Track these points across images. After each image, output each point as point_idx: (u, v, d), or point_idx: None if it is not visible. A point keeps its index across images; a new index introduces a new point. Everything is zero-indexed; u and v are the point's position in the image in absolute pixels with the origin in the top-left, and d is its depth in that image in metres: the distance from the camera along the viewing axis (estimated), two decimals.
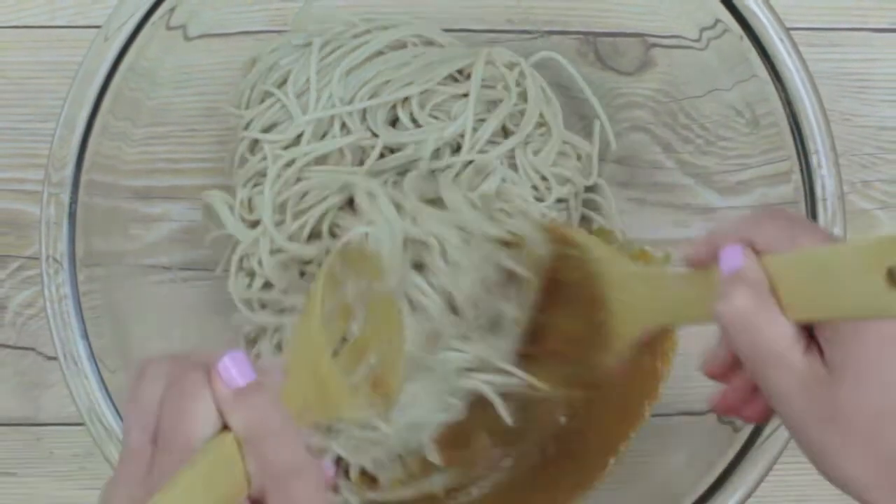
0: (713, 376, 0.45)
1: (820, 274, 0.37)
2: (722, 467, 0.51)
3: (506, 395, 0.52)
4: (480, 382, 0.52)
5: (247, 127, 0.56)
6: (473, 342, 0.52)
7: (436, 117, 0.55)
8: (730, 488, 0.51)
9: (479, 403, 0.53)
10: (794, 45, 0.51)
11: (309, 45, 0.56)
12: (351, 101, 0.55)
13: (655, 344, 0.57)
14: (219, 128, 0.58)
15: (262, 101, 0.56)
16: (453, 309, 0.52)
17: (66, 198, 0.51)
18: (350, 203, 0.54)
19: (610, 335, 0.50)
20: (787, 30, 0.52)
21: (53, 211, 0.51)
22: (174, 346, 0.56)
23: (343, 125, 0.55)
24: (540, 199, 0.56)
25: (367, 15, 0.57)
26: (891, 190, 0.62)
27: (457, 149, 0.55)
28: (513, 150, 0.55)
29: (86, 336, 0.51)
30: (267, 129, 0.55)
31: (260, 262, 0.54)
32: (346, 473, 0.54)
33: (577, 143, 0.58)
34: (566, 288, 0.52)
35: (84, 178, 0.52)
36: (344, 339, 0.48)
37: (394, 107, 0.56)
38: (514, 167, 0.55)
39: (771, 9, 0.51)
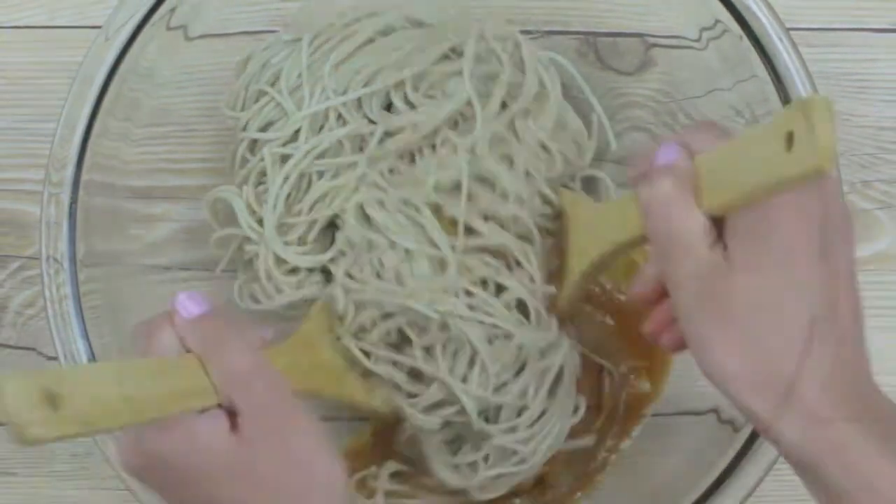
0: (640, 297, 0.47)
1: (731, 161, 0.40)
2: (722, 467, 0.51)
3: None
4: None
5: (245, 128, 0.55)
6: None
7: (432, 97, 0.55)
8: (730, 488, 0.51)
9: None
10: (794, 45, 0.51)
11: (298, 41, 0.56)
12: (345, 92, 0.55)
13: (651, 366, 0.58)
14: (219, 128, 0.58)
15: (257, 100, 0.56)
16: None
17: (66, 198, 0.51)
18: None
19: (564, 273, 0.53)
20: (787, 30, 0.52)
21: (53, 211, 0.51)
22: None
23: (339, 116, 0.55)
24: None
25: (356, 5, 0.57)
26: (890, 190, 0.62)
27: (454, 125, 0.55)
28: (513, 120, 0.55)
29: (86, 336, 0.51)
30: (263, 128, 0.55)
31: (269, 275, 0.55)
32: None
33: (570, 121, 0.58)
34: None
35: (84, 178, 0.52)
36: None
37: (388, 93, 0.56)
38: (516, 137, 0.56)
39: (771, 9, 0.51)
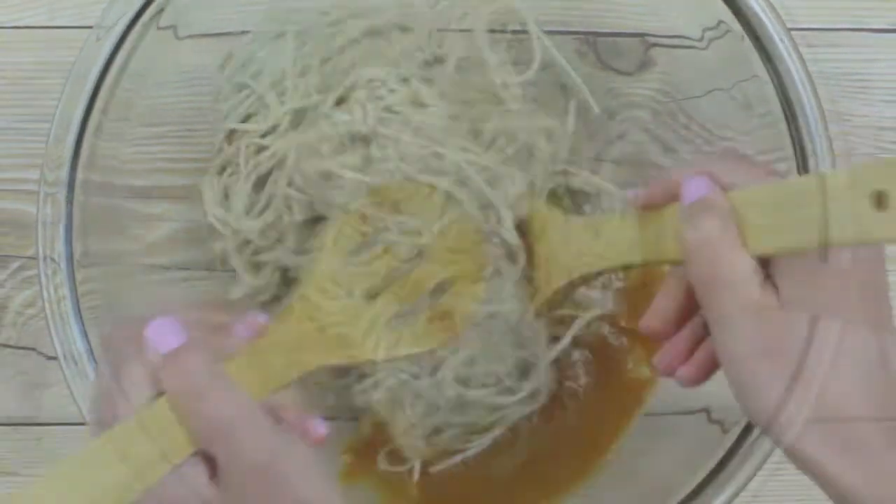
0: (654, 331, 0.46)
1: (785, 205, 0.38)
2: (710, 466, 0.51)
3: None
4: None
5: (225, 118, 0.56)
6: None
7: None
8: (719, 487, 0.51)
9: None
10: (795, 45, 0.52)
11: (283, 35, 0.56)
12: (327, 90, 0.55)
13: (649, 354, 0.58)
14: (217, 128, 0.58)
15: (239, 91, 0.56)
16: None
17: (62, 197, 0.51)
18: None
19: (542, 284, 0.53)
20: (788, 30, 0.52)
21: (50, 211, 0.51)
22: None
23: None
24: None
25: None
26: None
27: None
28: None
29: (85, 336, 0.51)
30: (243, 120, 0.56)
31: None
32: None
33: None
34: None
35: (81, 177, 0.52)
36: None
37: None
38: None
39: (772, 9, 0.51)
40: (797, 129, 0.51)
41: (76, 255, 0.51)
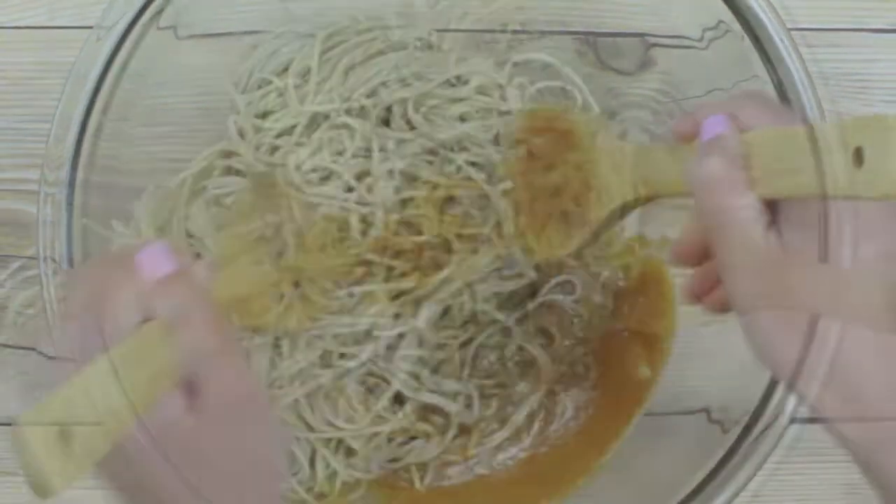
0: (682, 257, 0.46)
1: (790, 151, 0.39)
2: (710, 466, 0.51)
3: None
4: None
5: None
6: None
7: (430, 120, 0.56)
8: (719, 487, 0.51)
9: None
10: (795, 45, 0.51)
11: (312, 36, 0.56)
12: (349, 98, 0.55)
13: (650, 353, 0.58)
14: (217, 128, 0.58)
15: (259, 87, 0.56)
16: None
17: (62, 198, 0.51)
18: None
19: (588, 206, 0.51)
20: (788, 30, 0.52)
21: (50, 211, 0.51)
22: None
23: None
24: None
25: (369, 12, 0.58)
26: None
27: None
28: None
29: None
30: (260, 116, 0.56)
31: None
32: None
33: None
34: (561, 170, 0.53)
35: (81, 178, 0.52)
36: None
37: (388, 106, 0.56)
38: None
39: (772, 9, 0.51)
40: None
41: (76, 256, 0.51)
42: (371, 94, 0.55)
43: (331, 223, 0.54)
